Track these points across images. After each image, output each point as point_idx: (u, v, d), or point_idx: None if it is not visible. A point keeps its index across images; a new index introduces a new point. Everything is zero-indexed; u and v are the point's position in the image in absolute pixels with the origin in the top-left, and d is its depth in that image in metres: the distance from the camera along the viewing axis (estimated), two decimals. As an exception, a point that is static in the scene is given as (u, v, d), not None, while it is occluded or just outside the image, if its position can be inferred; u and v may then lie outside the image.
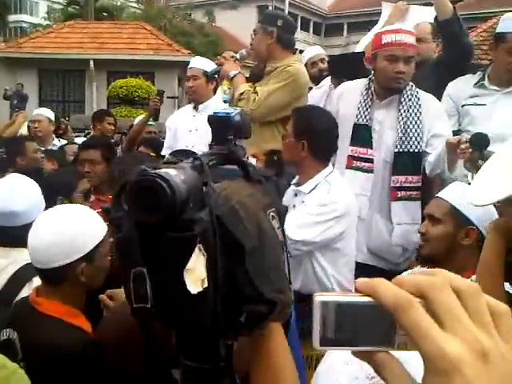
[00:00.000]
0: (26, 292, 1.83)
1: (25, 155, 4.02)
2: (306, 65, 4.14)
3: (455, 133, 3.04)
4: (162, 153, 4.17)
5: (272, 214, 0.68)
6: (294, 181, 2.62)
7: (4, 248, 2.02)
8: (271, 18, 3.34)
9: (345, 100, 2.98)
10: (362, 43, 3.99)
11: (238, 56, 3.27)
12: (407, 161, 2.77)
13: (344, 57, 3.81)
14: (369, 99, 2.89)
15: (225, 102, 3.33)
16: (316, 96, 3.43)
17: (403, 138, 2.77)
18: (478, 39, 12.88)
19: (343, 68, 3.58)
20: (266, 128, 3.15)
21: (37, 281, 1.82)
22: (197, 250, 0.55)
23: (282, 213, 0.72)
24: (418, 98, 2.81)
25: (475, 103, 2.97)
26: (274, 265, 0.65)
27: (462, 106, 3.01)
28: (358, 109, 2.88)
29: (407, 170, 2.78)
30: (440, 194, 2.10)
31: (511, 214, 1.96)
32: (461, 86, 3.04)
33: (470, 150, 2.32)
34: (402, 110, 2.79)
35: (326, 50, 4.81)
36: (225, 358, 0.66)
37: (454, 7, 3.06)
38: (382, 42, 2.77)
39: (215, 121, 0.79)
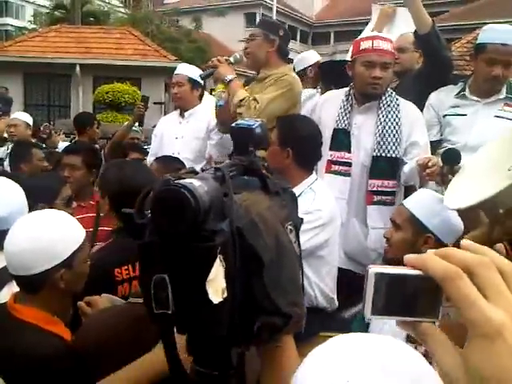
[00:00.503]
0: (5, 293, 1.82)
1: (30, 162, 3.94)
2: (308, 67, 4.17)
3: (437, 142, 3.09)
4: (147, 159, 4.15)
5: (290, 227, 0.70)
6: None
7: None
8: (274, 26, 3.36)
9: (327, 107, 3.04)
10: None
11: (231, 59, 3.25)
12: (384, 165, 2.82)
13: (332, 64, 3.84)
14: (348, 105, 2.95)
15: (220, 106, 3.29)
16: (308, 107, 3.46)
17: (381, 143, 2.82)
18: (462, 50, 13.06)
19: (332, 75, 3.63)
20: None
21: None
22: (217, 260, 0.56)
23: (298, 225, 0.74)
24: (398, 105, 2.87)
25: (456, 113, 3.02)
26: (291, 278, 0.66)
27: (444, 116, 3.06)
28: (338, 115, 2.94)
29: (383, 174, 2.83)
30: (403, 201, 2.15)
31: (474, 219, 2.02)
32: (442, 97, 3.09)
33: (437, 171, 2.37)
34: (381, 115, 2.85)
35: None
36: (236, 366, 0.67)
37: (433, 20, 3.10)
38: (360, 48, 2.82)
39: (237, 132, 0.80)
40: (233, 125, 0.82)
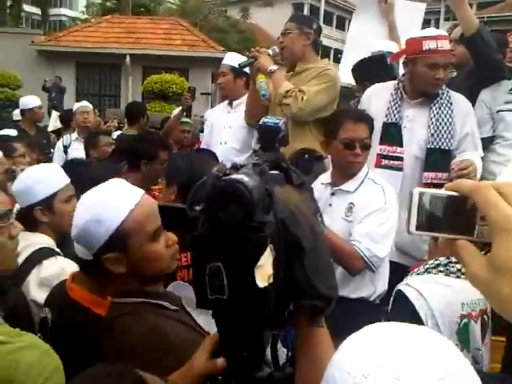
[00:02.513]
0: (34, 274, 1.92)
1: (97, 148, 4.21)
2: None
3: (490, 139, 3.02)
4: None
5: (320, 218, 0.76)
6: (327, 180, 2.64)
7: (24, 232, 2.11)
8: (308, 20, 3.40)
9: (374, 101, 3.04)
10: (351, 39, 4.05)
11: (270, 52, 3.27)
12: (438, 157, 2.81)
13: (365, 61, 3.80)
14: (398, 99, 2.93)
15: (263, 96, 3.30)
16: None
17: (435, 135, 2.81)
18: (517, 41, 12.56)
19: (366, 72, 3.60)
20: (298, 127, 3.17)
21: (46, 264, 1.94)
22: (268, 249, 0.61)
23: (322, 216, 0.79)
24: (450, 97, 2.86)
25: (510, 109, 2.94)
26: (327, 264, 0.72)
27: (497, 111, 2.99)
28: (388, 108, 2.93)
29: (437, 166, 2.81)
30: None
31: None
32: (495, 92, 3.02)
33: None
34: (434, 108, 2.84)
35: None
36: (268, 347, 0.71)
37: (484, 22, 3.02)
38: (424, 48, 2.79)
39: (265, 129, 0.84)
40: (260, 122, 0.86)
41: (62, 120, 6.61)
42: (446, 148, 2.81)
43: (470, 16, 2.99)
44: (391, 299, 1.91)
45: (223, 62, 4.07)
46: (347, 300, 2.42)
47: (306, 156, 3.08)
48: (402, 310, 1.80)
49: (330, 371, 0.63)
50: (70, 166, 3.04)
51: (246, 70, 4.08)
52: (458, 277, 1.86)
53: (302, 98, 3.03)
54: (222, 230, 0.60)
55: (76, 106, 5.60)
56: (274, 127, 0.83)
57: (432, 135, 2.81)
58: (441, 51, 2.76)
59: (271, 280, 0.62)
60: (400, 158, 2.84)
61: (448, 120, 2.81)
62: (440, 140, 2.81)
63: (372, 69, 3.49)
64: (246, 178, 0.60)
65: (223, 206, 0.59)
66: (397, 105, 2.92)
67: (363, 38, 3.86)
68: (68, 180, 2.20)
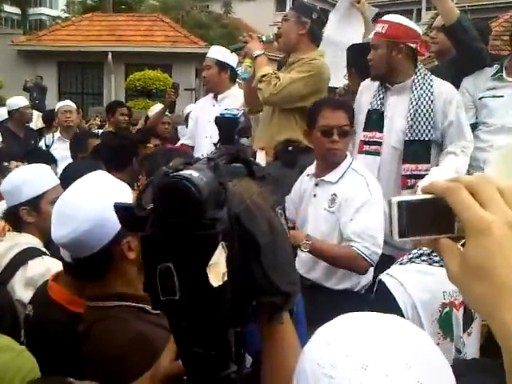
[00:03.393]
0: (20, 274, 1.92)
1: (86, 151, 4.06)
2: None
3: (473, 125, 3.04)
4: (182, 141, 4.25)
5: (279, 211, 0.73)
6: (311, 171, 2.64)
7: (11, 232, 2.11)
8: (307, 9, 3.34)
9: (365, 93, 3.08)
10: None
11: (264, 38, 3.25)
12: (417, 149, 2.81)
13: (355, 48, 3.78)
14: (383, 86, 2.97)
15: (244, 79, 3.31)
16: None
17: (414, 126, 2.80)
18: (499, 29, 12.66)
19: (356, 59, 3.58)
20: (283, 117, 3.15)
21: (32, 264, 1.93)
22: (220, 246, 0.59)
23: (285, 208, 0.77)
24: (431, 86, 2.84)
25: (493, 95, 2.96)
26: (286, 259, 0.69)
27: (480, 98, 3.01)
28: (374, 96, 2.96)
29: (417, 158, 2.81)
30: None
31: None
32: (477, 79, 3.04)
33: None
34: (413, 99, 2.83)
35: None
36: (233, 345, 0.69)
37: (466, 11, 3.05)
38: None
39: (223, 122, 0.83)
40: (218, 115, 0.85)
41: (44, 120, 6.55)
42: (426, 139, 2.80)
43: (449, 7, 3.00)
44: (374, 289, 1.92)
45: (208, 56, 4.06)
46: (331, 291, 2.44)
47: (290, 148, 3.08)
48: (383, 301, 1.81)
49: (301, 363, 0.63)
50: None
51: (231, 63, 4.08)
52: (442, 266, 1.87)
53: (276, 84, 2.99)
54: (171, 229, 0.58)
55: (58, 105, 5.54)
56: (231, 119, 0.82)
57: (411, 126, 2.80)
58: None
59: (226, 278, 0.60)
60: (378, 143, 2.86)
61: (427, 110, 2.79)
62: (419, 131, 2.80)
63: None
64: (195, 174, 0.58)
65: (170, 204, 0.57)
66: (381, 92, 2.95)
67: (341, 35, 3.82)
68: (57, 181, 2.19)
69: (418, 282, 1.82)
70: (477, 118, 3.05)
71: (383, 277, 1.86)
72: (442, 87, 2.86)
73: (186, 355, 0.68)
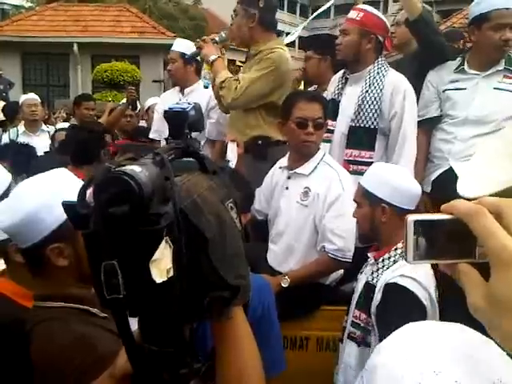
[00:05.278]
0: None
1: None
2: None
3: (437, 118, 3.10)
4: (150, 136, 4.21)
5: (230, 204, 0.73)
6: (283, 164, 2.66)
7: None
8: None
9: (332, 84, 3.15)
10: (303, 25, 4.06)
11: (217, 38, 3.19)
12: (361, 135, 2.86)
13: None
14: (345, 76, 3.03)
15: (205, 87, 3.29)
16: None
17: (360, 113, 2.85)
18: (463, 22, 12.89)
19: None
20: (250, 114, 3.14)
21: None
22: (163, 242, 0.59)
23: (237, 202, 0.76)
24: (384, 76, 2.89)
25: (456, 88, 3.02)
26: (236, 252, 0.69)
27: (443, 91, 3.07)
28: (335, 86, 3.03)
29: (360, 144, 2.85)
30: (360, 179, 2.18)
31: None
32: (441, 72, 3.10)
33: None
34: (364, 86, 2.89)
35: (313, 33, 4.81)
36: (189, 341, 0.69)
37: (430, 6, 3.11)
38: None
39: (172, 116, 0.82)
40: (166, 109, 0.85)
41: (4, 112, 6.35)
42: (372, 127, 2.84)
43: (413, 2, 3.03)
44: (380, 292, 1.90)
45: (172, 49, 4.01)
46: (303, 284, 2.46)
47: (260, 142, 3.08)
48: (405, 301, 1.83)
49: (373, 378, 0.59)
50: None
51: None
52: None
53: (236, 88, 2.97)
54: (114, 226, 0.58)
55: (22, 98, 5.42)
56: (181, 113, 0.82)
57: (358, 113, 2.85)
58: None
59: (171, 274, 0.60)
60: (330, 131, 2.90)
61: (376, 98, 2.84)
62: (365, 119, 2.84)
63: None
64: (137, 169, 0.57)
65: (111, 200, 0.56)
66: (340, 82, 3.02)
67: None
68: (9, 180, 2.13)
69: (425, 273, 1.90)
70: (441, 110, 3.11)
71: (396, 280, 1.87)
72: (393, 77, 2.92)
73: (132, 354, 0.67)
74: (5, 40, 15.33)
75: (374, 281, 1.95)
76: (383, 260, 1.97)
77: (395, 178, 2.01)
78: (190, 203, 0.64)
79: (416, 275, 1.85)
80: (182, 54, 3.88)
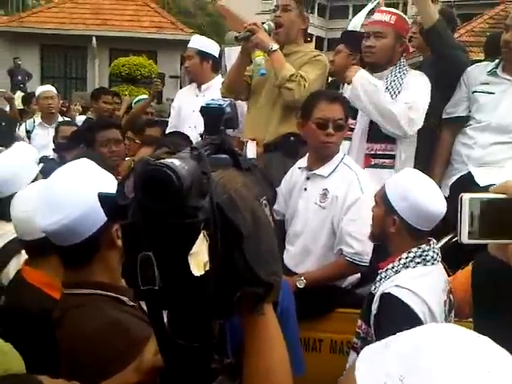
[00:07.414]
0: (14, 264, 1.87)
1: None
2: None
3: (464, 119, 3.02)
4: (167, 132, 4.20)
5: (264, 202, 0.73)
6: (303, 164, 2.63)
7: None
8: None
9: None
10: (354, 23, 4.05)
11: (266, 27, 3.10)
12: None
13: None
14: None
15: (262, 75, 3.14)
16: None
17: None
18: (484, 26, 12.76)
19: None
20: (287, 111, 3.10)
21: (25, 253, 1.87)
22: (201, 235, 0.59)
23: (271, 199, 0.77)
24: (404, 74, 2.89)
25: (484, 91, 2.93)
26: (269, 249, 0.69)
27: (473, 92, 2.98)
28: None
29: (382, 138, 2.85)
30: (385, 178, 2.11)
31: None
32: (476, 72, 3.01)
33: None
34: (384, 84, 2.87)
35: (331, 33, 4.80)
36: (217, 336, 0.69)
37: (451, 6, 3.07)
38: None
39: (208, 112, 0.82)
40: (203, 105, 0.85)
41: (24, 102, 6.42)
42: None
43: (428, 11, 2.97)
44: (377, 303, 1.84)
45: (189, 45, 4.02)
46: (320, 286, 2.44)
47: (292, 138, 3.06)
48: (400, 313, 1.75)
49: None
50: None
51: (213, 52, 4.03)
52: (433, 263, 1.88)
53: (304, 86, 2.95)
54: (152, 218, 0.58)
55: (39, 90, 5.43)
56: (217, 109, 0.82)
57: None
58: (370, 22, 3.01)
59: (208, 267, 0.60)
60: (350, 129, 2.87)
61: (395, 92, 2.83)
62: None
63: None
64: (177, 162, 0.57)
65: (151, 192, 0.56)
66: None
67: None
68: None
69: (427, 286, 1.81)
70: (470, 111, 3.03)
71: (391, 290, 1.80)
72: (412, 76, 2.90)
73: (165, 347, 0.67)
74: (24, 31, 15.46)
75: (375, 291, 1.90)
76: (386, 270, 1.91)
77: (417, 196, 1.85)
78: (227, 198, 0.64)
79: (414, 287, 1.77)
80: (199, 51, 3.88)
